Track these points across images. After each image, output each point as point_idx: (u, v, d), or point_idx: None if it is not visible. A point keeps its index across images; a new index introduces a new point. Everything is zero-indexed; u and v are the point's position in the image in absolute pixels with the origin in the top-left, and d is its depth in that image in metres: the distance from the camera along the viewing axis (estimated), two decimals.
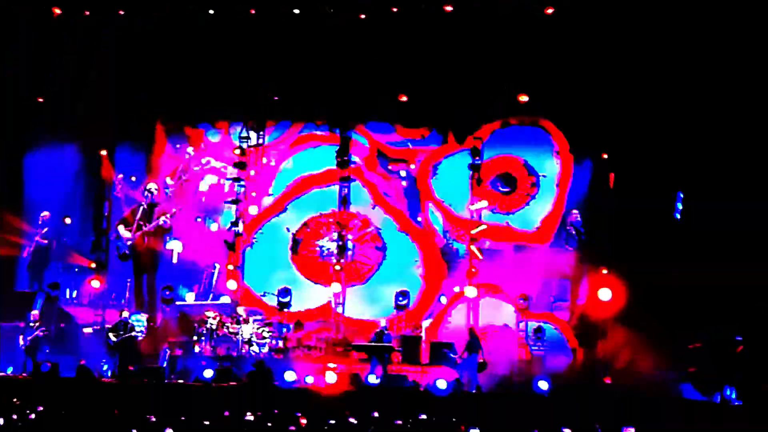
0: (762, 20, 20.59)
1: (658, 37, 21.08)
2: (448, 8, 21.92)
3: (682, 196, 22.04)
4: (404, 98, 23.54)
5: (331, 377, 19.51)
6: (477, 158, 23.28)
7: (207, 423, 14.61)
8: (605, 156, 22.66)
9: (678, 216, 21.96)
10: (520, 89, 22.85)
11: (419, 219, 24.51)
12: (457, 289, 23.35)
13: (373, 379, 19.76)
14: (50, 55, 23.50)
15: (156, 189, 24.40)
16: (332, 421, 15.24)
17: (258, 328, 22.12)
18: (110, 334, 21.87)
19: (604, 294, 21.48)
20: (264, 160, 25.20)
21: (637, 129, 21.55)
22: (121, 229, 23.65)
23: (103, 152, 24.23)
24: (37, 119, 24.03)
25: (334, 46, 22.56)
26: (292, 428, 14.60)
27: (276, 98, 24.28)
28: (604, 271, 21.71)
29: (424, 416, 16.29)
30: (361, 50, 22.54)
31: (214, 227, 25.47)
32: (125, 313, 22.26)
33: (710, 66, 20.44)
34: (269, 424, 15.05)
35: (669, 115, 21.30)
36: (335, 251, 24.02)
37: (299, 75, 23.00)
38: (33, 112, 23.91)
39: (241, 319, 22.17)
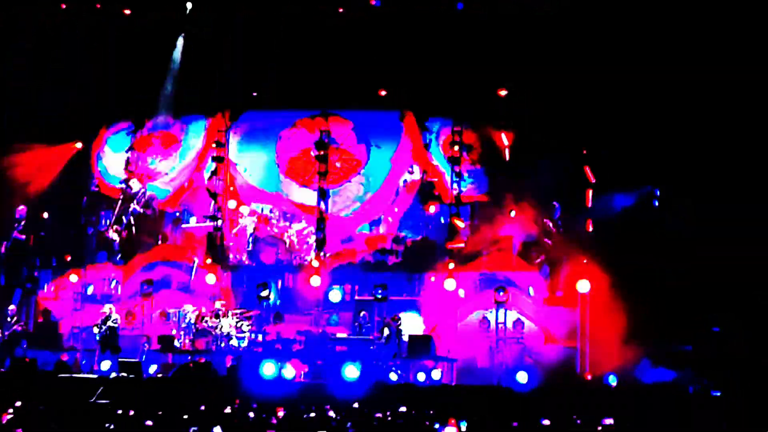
0: (749, 20, 20.75)
1: (640, 37, 21.23)
2: None
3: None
4: (383, 92, 23.66)
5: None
6: None
7: (186, 417, 14.56)
8: (585, 151, 22.76)
9: (656, 204, 22.14)
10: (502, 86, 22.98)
11: None
12: None
13: (351, 372, 19.75)
14: (41, 50, 23.45)
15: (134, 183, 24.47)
16: (312, 414, 15.24)
17: (237, 322, 22.07)
18: (94, 328, 21.81)
19: (583, 286, 21.58)
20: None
21: (616, 125, 21.70)
22: (112, 233, 23.82)
23: (78, 144, 24.17)
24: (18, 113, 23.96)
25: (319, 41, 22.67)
26: (273, 421, 14.57)
27: (254, 94, 24.27)
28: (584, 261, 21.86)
29: (403, 408, 16.30)
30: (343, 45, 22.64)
31: (192, 221, 25.48)
32: (106, 308, 22.18)
33: (685, 65, 20.64)
34: (250, 415, 15.04)
35: (647, 112, 21.43)
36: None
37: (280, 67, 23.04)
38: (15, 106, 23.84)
39: (220, 313, 22.10)
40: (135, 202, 24.23)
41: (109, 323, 21.65)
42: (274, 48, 22.85)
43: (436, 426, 13.86)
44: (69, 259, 23.90)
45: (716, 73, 20.32)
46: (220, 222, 24.29)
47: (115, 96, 23.97)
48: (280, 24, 22.75)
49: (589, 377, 20.65)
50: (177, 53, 23.74)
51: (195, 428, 12.85)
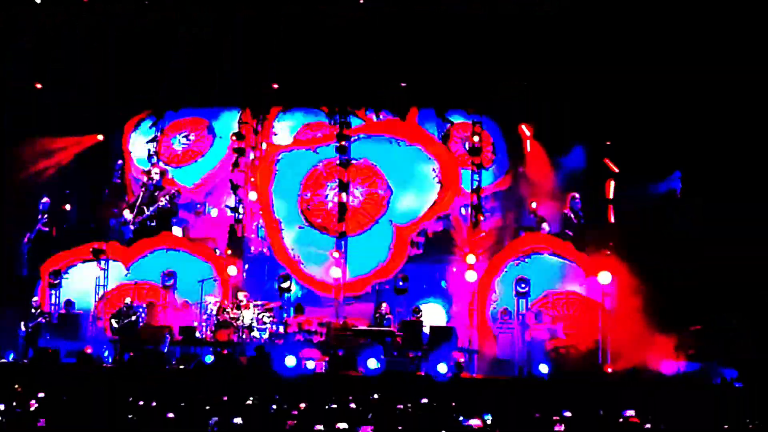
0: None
1: (642, 36, 21.19)
2: None
3: (680, 174, 22.22)
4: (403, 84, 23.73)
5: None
6: None
7: (208, 408, 14.62)
8: (608, 143, 22.75)
9: (678, 194, 22.11)
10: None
11: None
12: None
13: (373, 364, 19.76)
14: (50, 43, 23.58)
15: (158, 173, 24.55)
16: (334, 406, 15.27)
17: (258, 314, 22.10)
18: (112, 320, 21.92)
19: (604, 277, 21.49)
20: (264, 146, 25.26)
21: (637, 118, 21.68)
22: (126, 213, 23.85)
23: (100, 137, 24.32)
24: (35, 105, 24.07)
25: (335, 37, 22.70)
26: (294, 412, 14.61)
27: (275, 86, 24.34)
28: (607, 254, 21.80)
29: (425, 400, 16.30)
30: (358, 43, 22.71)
31: (214, 212, 25.52)
32: (128, 299, 22.29)
33: (693, 65, 20.59)
34: (273, 407, 15.08)
35: (656, 110, 21.41)
36: None
37: (300, 65, 23.10)
38: (31, 98, 23.94)
39: (241, 304, 22.12)
40: (164, 196, 24.26)
41: (132, 318, 21.75)
42: (274, 48, 22.96)
43: (460, 419, 13.84)
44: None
45: (726, 72, 20.24)
46: (241, 213, 24.35)
47: (136, 88, 24.09)
48: (280, 24, 22.84)
49: (609, 369, 20.57)
50: None
51: (215, 419, 12.88)
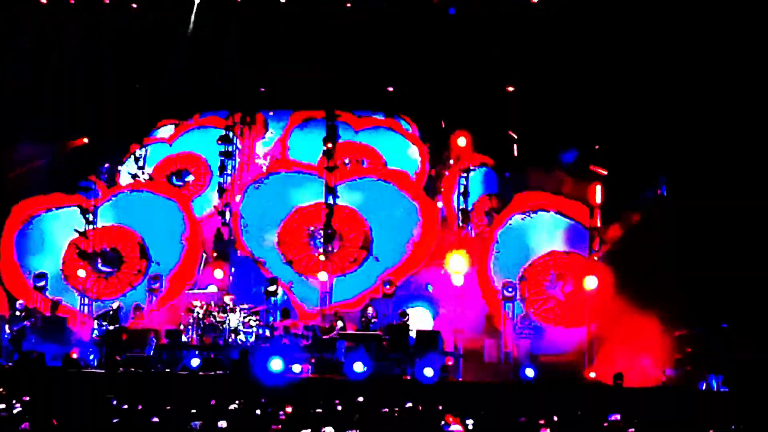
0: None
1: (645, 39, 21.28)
2: None
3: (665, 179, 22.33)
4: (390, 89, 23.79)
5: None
6: None
7: (194, 411, 14.56)
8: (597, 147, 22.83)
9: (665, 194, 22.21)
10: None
11: None
12: None
13: (359, 368, 19.74)
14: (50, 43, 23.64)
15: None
16: (319, 410, 15.24)
17: (245, 317, 22.04)
18: (95, 323, 21.87)
19: (590, 282, 21.54)
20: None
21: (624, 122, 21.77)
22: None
23: (85, 140, 24.35)
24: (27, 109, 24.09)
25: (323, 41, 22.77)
26: (282, 417, 14.57)
27: (262, 90, 24.38)
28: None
29: (410, 404, 16.29)
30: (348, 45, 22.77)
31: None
32: (115, 304, 22.24)
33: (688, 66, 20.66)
34: (257, 412, 15.03)
35: (651, 111, 21.50)
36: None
37: (288, 67, 23.14)
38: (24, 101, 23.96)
39: (227, 308, 22.07)
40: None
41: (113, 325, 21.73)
42: (274, 48, 23.01)
43: (442, 424, 13.81)
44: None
45: (718, 73, 20.34)
46: (227, 216, 24.30)
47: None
48: (280, 24, 22.89)
49: (593, 374, 20.63)
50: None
51: (197, 423, 12.82)
